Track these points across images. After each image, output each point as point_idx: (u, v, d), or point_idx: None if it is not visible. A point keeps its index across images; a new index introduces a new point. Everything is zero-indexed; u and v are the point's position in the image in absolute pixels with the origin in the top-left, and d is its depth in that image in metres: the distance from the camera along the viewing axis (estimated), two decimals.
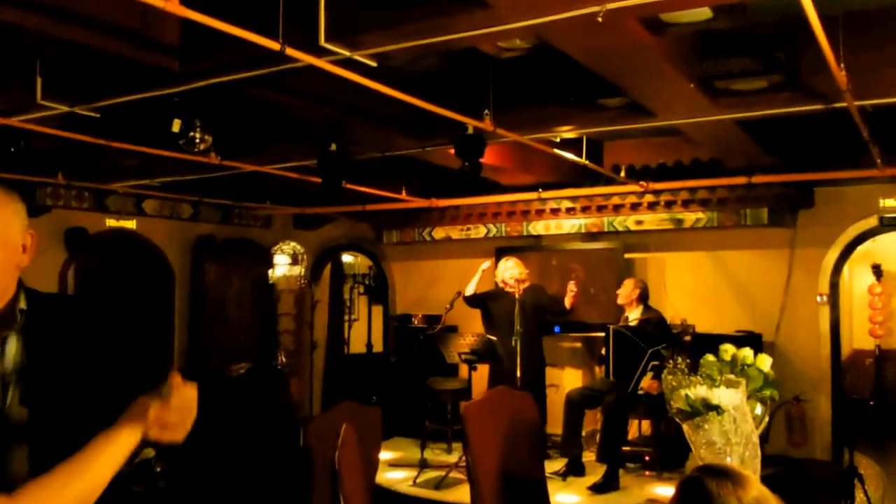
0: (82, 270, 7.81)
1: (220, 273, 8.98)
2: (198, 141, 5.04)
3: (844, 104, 4.42)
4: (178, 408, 1.57)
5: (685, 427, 2.74)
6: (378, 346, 9.68)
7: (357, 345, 9.93)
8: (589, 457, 6.52)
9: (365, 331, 9.95)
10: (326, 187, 6.16)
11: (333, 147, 5.95)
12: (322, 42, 3.76)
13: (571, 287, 6.92)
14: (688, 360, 2.93)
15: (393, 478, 6.52)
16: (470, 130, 5.25)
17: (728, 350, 2.92)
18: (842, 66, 3.83)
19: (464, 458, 6.50)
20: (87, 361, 1.74)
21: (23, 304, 1.70)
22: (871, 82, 4.50)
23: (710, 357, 2.92)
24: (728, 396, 2.63)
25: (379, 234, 9.22)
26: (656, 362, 6.01)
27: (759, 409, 2.80)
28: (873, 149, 5.48)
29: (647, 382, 6.14)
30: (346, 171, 6.17)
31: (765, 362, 2.87)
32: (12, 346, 1.66)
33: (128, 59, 4.20)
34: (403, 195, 7.80)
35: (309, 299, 9.24)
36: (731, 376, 2.74)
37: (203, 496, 5.57)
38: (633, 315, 6.66)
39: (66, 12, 3.81)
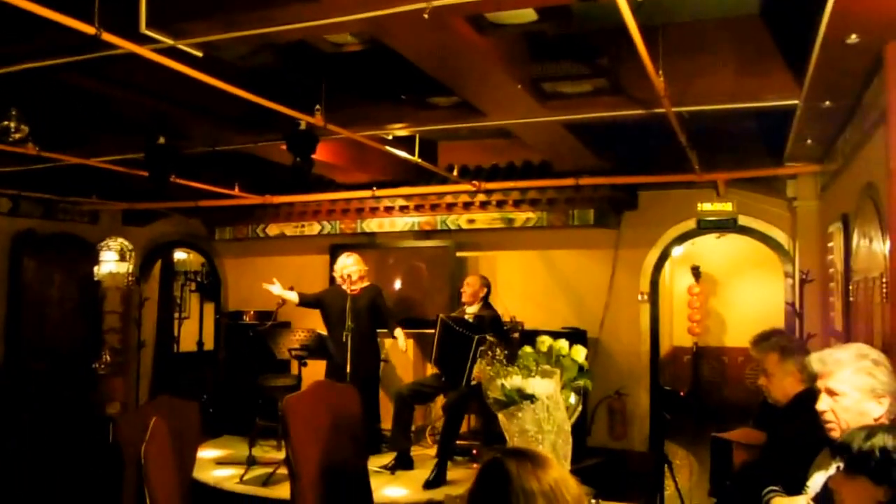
0: None
1: (41, 270, 8.41)
2: (12, 130, 4.70)
3: (663, 110, 4.69)
4: None
5: (500, 416, 2.84)
6: (209, 345, 9.40)
7: (188, 343, 9.60)
8: (417, 451, 6.61)
9: (196, 329, 9.63)
10: (153, 181, 5.91)
11: (161, 140, 5.72)
12: (143, 29, 3.62)
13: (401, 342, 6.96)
14: (506, 352, 3.04)
15: (220, 476, 6.35)
16: (303, 126, 5.19)
17: (545, 341, 3.05)
18: (660, 73, 4.06)
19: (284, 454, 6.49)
20: None
21: None
22: (688, 90, 4.82)
23: (527, 349, 3.04)
24: (542, 386, 2.75)
25: (212, 230, 8.96)
26: (484, 347, 6.14)
27: (573, 399, 2.94)
28: (691, 154, 5.87)
29: (478, 370, 6.25)
30: (174, 165, 5.96)
31: (579, 353, 3.01)
32: None
33: None
34: (237, 191, 7.62)
35: (137, 297, 8.82)
36: (547, 367, 2.86)
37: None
38: (471, 310, 6.80)
39: None
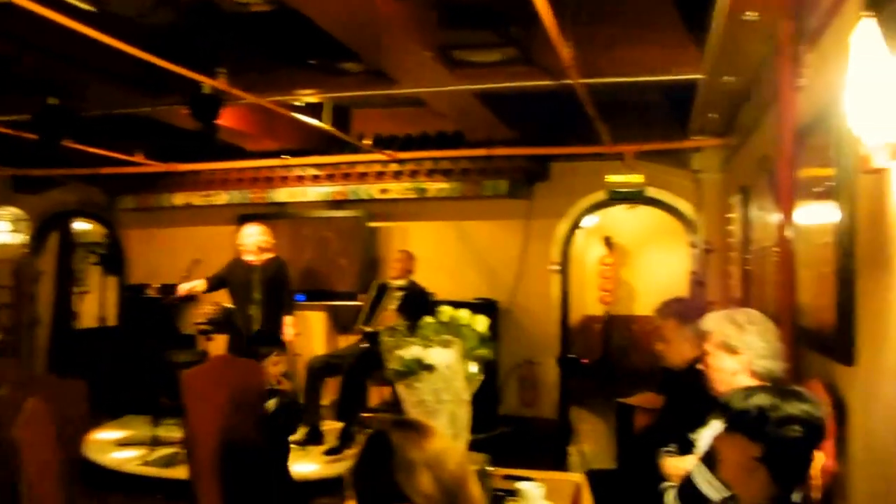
0: None
1: None
2: None
3: (571, 81, 4.68)
4: None
5: (399, 387, 2.79)
6: (112, 320, 9.05)
7: (88, 319, 9.21)
8: (329, 425, 6.54)
9: (97, 303, 9.26)
10: (43, 146, 5.61)
11: (53, 101, 5.41)
12: None
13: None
14: (406, 322, 2.99)
15: (121, 458, 6.12)
16: (206, 90, 4.99)
17: (445, 311, 3.01)
18: (568, 43, 4.04)
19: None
20: None
21: None
22: (596, 61, 4.83)
23: (429, 319, 2.99)
24: (442, 356, 2.71)
25: (113, 199, 8.59)
26: (398, 301, 6.15)
27: (474, 368, 2.92)
28: (601, 126, 5.92)
29: (386, 315, 6.23)
30: (68, 128, 5.64)
31: (480, 323, 2.99)
32: None
33: None
34: (140, 158, 7.30)
35: (31, 270, 8.39)
36: (448, 336, 2.82)
37: None
38: (398, 284, 6.74)
39: None
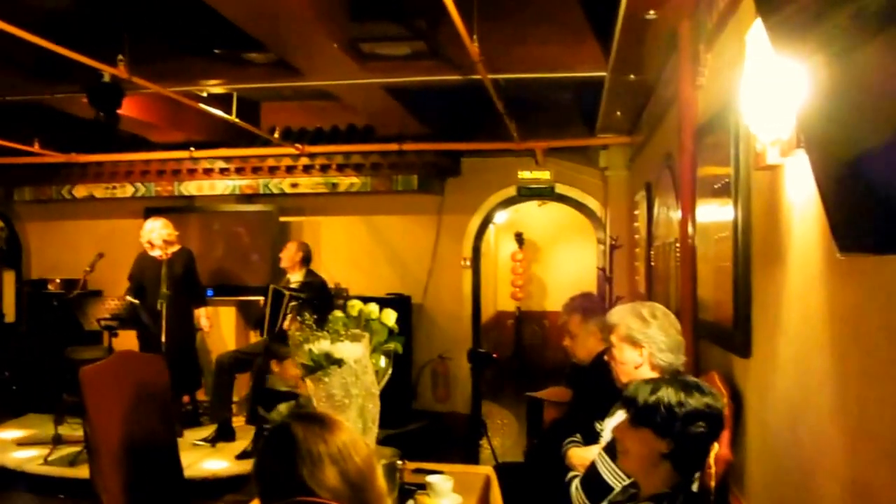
0: None
1: None
2: None
3: (479, 77, 4.72)
4: None
5: (308, 382, 2.78)
6: (10, 316, 8.66)
7: None
8: (239, 421, 6.43)
9: None
10: None
11: None
12: None
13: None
14: (315, 316, 2.98)
15: (21, 457, 5.90)
16: (106, 78, 4.83)
17: (354, 305, 3.00)
18: (474, 38, 4.07)
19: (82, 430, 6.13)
20: None
21: None
22: (503, 57, 4.88)
23: (338, 313, 2.98)
24: (351, 350, 2.70)
25: (9, 191, 8.20)
26: (295, 303, 6.08)
27: (383, 362, 2.92)
28: (510, 123, 5.99)
29: (289, 324, 6.16)
30: None
31: (389, 317, 2.99)
32: None
33: None
34: (37, 148, 6.99)
35: None
36: (357, 331, 2.82)
37: None
38: (295, 278, 6.63)
39: None
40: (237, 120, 5.83)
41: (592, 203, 7.43)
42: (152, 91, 5.18)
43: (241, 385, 6.70)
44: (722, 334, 2.90)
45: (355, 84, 5.55)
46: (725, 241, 2.79)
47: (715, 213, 3.05)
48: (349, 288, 7.32)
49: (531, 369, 10.17)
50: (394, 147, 6.90)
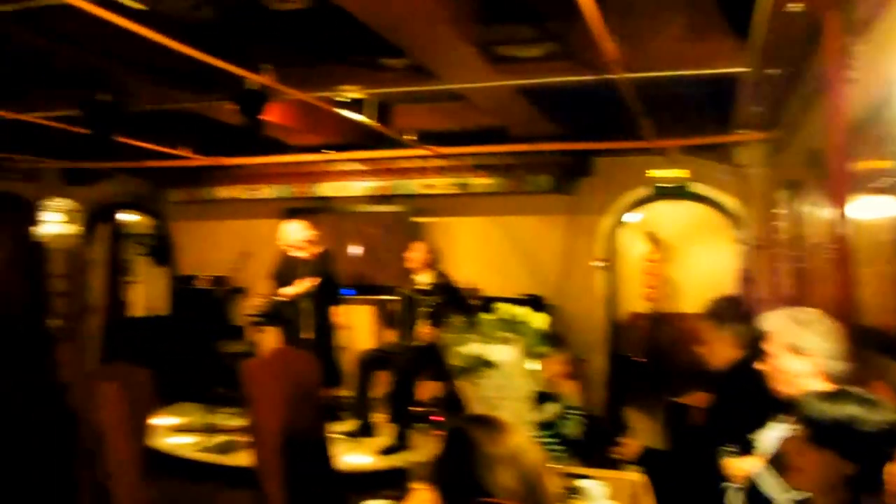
0: None
1: None
2: None
3: (614, 76, 4.68)
4: None
5: (461, 383, 2.84)
6: (160, 309, 9.24)
7: (137, 308, 9.41)
8: (379, 418, 6.62)
9: (145, 293, 9.45)
10: (95, 140, 5.73)
11: (104, 97, 5.53)
12: None
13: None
14: (464, 319, 3.04)
15: (179, 443, 6.28)
16: (251, 86, 5.07)
17: (503, 308, 3.05)
18: (612, 37, 4.03)
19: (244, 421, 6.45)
20: None
21: None
22: (639, 56, 4.81)
23: (486, 316, 3.04)
24: (503, 353, 2.75)
25: (161, 192, 8.76)
26: (429, 309, 6.19)
27: (535, 365, 2.95)
28: (645, 121, 5.89)
29: (423, 330, 6.28)
30: (118, 123, 5.76)
31: (539, 320, 3.02)
32: None
33: None
34: (187, 152, 7.43)
35: (82, 260, 8.61)
36: (507, 334, 2.86)
37: None
38: (423, 279, 6.73)
39: None
40: (372, 123, 5.99)
41: (729, 202, 7.19)
42: (293, 97, 5.42)
43: (381, 382, 6.87)
44: (886, 341, 2.75)
45: (487, 86, 5.59)
46: (888, 242, 2.64)
47: (877, 212, 2.90)
48: (482, 288, 7.37)
49: (666, 373, 9.92)
50: (525, 148, 6.90)
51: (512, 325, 2.94)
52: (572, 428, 3.54)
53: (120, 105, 5.64)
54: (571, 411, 3.62)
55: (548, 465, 1.73)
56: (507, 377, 2.64)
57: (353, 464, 5.78)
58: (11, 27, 4.51)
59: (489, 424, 1.67)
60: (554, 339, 3.75)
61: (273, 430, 3.38)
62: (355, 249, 8.06)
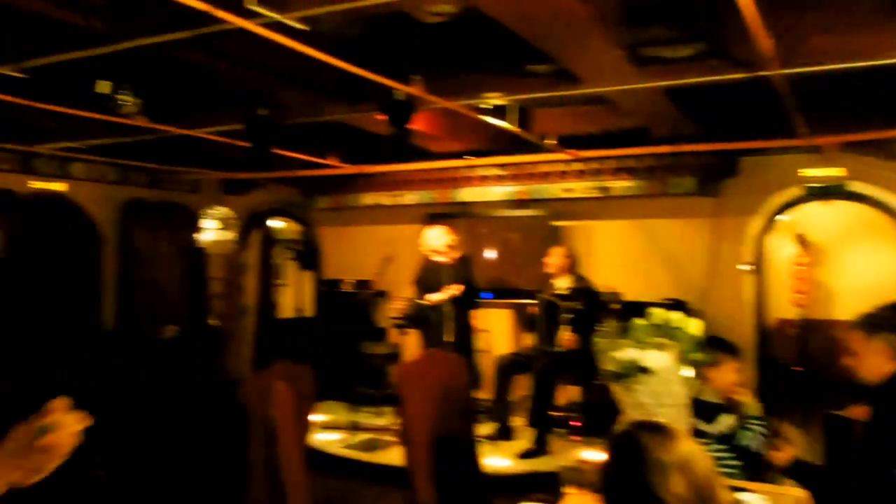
0: (10, 233, 7.54)
1: (149, 237, 8.81)
2: (126, 103, 4.92)
3: (769, 72, 4.52)
4: (48, 448, 1.33)
5: (615, 388, 2.82)
6: (307, 311, 9.65)
7: (286, 309, 9.88)
8: (518, 422, 6.65)
9: (293, 296, 9.90)
10: (255, 152, 6.07)
11: (262, 112, 5.85)
12: (250, 4, 3.69)
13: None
14: (616, 324, 3.02)
15: (326, 440, 6.55)
16: (399, 96, 5.23)
17: (656, 314, 3.00)
18: (767, 33, 3.89)
19: (394, 421, 6.64)
20: None
21: None
22: (796, 50, 4.63)
23: (639, 321, 3.00)
24: (658, 359, 2.72)
25: (308, 199, 9.18)
26: (570, 315, 6.16)
27: (689, 372, 2.88)
28: (798, 118, 5.64)
29: (564, 336, 6.25)
30: (275, 136, 6.08)
31: (694, 326, 2.95)
32: None
33: (55, 20, 4.06)
34: (333, 161, 7.75)
35: (238, 264, 9.14)
36: (661, 339, 2.82)
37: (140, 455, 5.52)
38: (562, 284, 6.71)
39: None
40: (515, 129, 6.04)
41: (894, 201, 6.75)
42: (439, 105, 5.54)
43: (520, 386, 6.91)
44: None
45: (633, 88, 5.52)
46: None
47: None
48: (623, 293, 7.27)
49: (823, 382, 9.41)
50: (668, 149, 6.75)
51: (666, 331, 2.89)
52: (752, 440, 3.38)
53: (277, 119, 5.95)
54: (752, 422, 3.46)
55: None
56: (664, 384, 2.60)
57: (492, 467, 5.83)
58: (181, 51, 4.86)
59: (659, 430, 1.66)
60: (725, 345, 3.61)
61: (423, 430, 3.47)
62: (493, 253, 8.12)
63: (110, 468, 4.75)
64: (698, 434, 3.12)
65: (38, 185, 7.81)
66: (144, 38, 4.24)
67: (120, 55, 4.44)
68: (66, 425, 1.33)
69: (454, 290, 6.47)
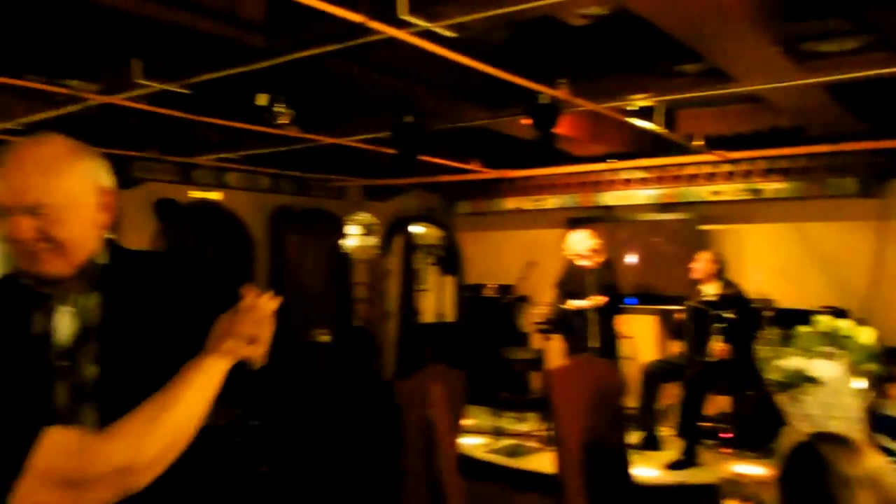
0: (172, 239, 8.06)
1: (297, 242, 9.20)
2: (281, 114, 5.17)
3: None
4: (256, 320, 1.53)
5: (780, 398, 2.69)
6: (448, 316, 9.76)
7: (427, 314, 10.03)
8: (665, 431, 6.47)
9: (434, 300, 10.04)
10: (401, 159, 6.20)
11: (408, 119, 5.97)
12: (403, 14, 3.78)
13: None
14: (778, 331, 2.89)
15: (470, 444, 6.59)
16: (544, 100, 5.21)
17: (823, 321, 2.84)
18: None
19: (538, 427, 6.62)
20: (165, 317, 1.69)
21: (103, 260, 1.67)
22: None
23: (803, 328, 2.85)
24: (826, 368, 2.57)
25: (450, 204, 9.30)
26: (723, 325, 5.93)
27: (862, 384, 2.70)
28: None
29: (716, 346, 6.03)
30: (421, 143, 6.19)
31: (866, 335, 2.78)
32: (90, 303, 1.63)
33: (216, 37, 4.31)
34: (475, 166, 7.82)
35: (381, 269, 9.39)
36: (830, 349, 2.67)
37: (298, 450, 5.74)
38: (710, 290, 6.46)
39: None
40: (662, 130, 5.89)
41: None
42: (583, 109, 5.49)
43: (667, 395, 6.72)
44: None
45: (791, 85, 5.27)
46: None
47: None
48: (776, 299, 6.92)
49: None
50: (829, 148, 6.39)
51: (834, 339, 2.74)
52: None
53: (423, 125, 6.06)
54: None
55: None
56: (834, 395, 2.46)
57: (639, 476, 5.68)
58: (332, 62, 5.04)
59: (844, 443, 1.57)
60: None
61: (575, 436, 3.44)
62: (635, 258, 7.95)
63: (274, 464, 4.99)
64: (883, 451, 2.90)
65: (197, 194, 8.31)
66: (300, 52, 4.41)
67: (275, 68, 4.66)
68: (261, 302, 1.55)
69: (598, 300, 6.37)
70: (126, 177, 7.09)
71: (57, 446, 1.18)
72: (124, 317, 1.65)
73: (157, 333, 1.66)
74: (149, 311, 1.68)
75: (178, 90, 5.00)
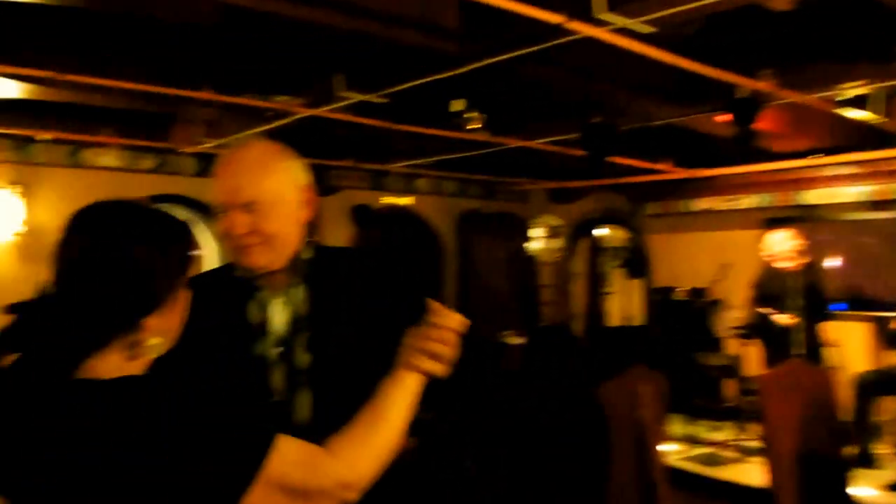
0: (367, 244, 8.42)
1: (483, 246, 9.35)
2: (472, 119, 5.26)
3: None
4: (442, 339, 1.56)
5: None
6: (636, 319, 9.52)
7: (613, 317, 9.83)
8: (883, 449, 5.96)
9: (620, 303, 9.83)
10: (591, 161, 6.12)
11: (598, 119, 5.89)
12: (600, 13, 3.70)
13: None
14: None
15: (665, 450, 6.38)
16: (742, 93, 4.96)
17: None
18: None
19: (735, 435, 6.31)
20: (367, 309, 1.81)
21: (308, 255, 1.82)
22: None
23: None
24: None
25: (636, 206, 9.07)
26: None
27: None
28: None
29: None
30: (612, 143, 6.08)
31: None
32: (299, 294, 1.78)
33: (412, 47, 4.43)
34: (664, 166, 7.58)
35: (566, 272, 9.33)
36: None
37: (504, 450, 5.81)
38: None
39: (354, 6, 4.08)
40: (881, 119, 5.42)
41: None
42: (786, 100, 5.16)
43: (884, 409, 6.19)
44: None
45: None
46: None
47: None
48: None
49: None
50: None
51: None
52: None
53: (613, 125, 5.95)
54: None
55: None
56: None
57: (855, 495, 5.26)
58: (523, 65, 5.05)
59: None
60: None
61: (789, 448, 3.24)
62: (839, 261, 7.39)
63: (479, 462, 5.07)
64: None
65: (388, 199, 8.63)
66: (494, 57, 4.45)
67: (467, 74, 4.73)
68: (450, 318, 1.58)
69: (790, 319, 5.97)
70: (324, 185, 7.49)
71: (290, 456, 1.27)
72: (329, 307, 1.79)
73: (357, 323, 1.80)
74: (349, 301, 1.83)
75: (377, 100, 5.20)
